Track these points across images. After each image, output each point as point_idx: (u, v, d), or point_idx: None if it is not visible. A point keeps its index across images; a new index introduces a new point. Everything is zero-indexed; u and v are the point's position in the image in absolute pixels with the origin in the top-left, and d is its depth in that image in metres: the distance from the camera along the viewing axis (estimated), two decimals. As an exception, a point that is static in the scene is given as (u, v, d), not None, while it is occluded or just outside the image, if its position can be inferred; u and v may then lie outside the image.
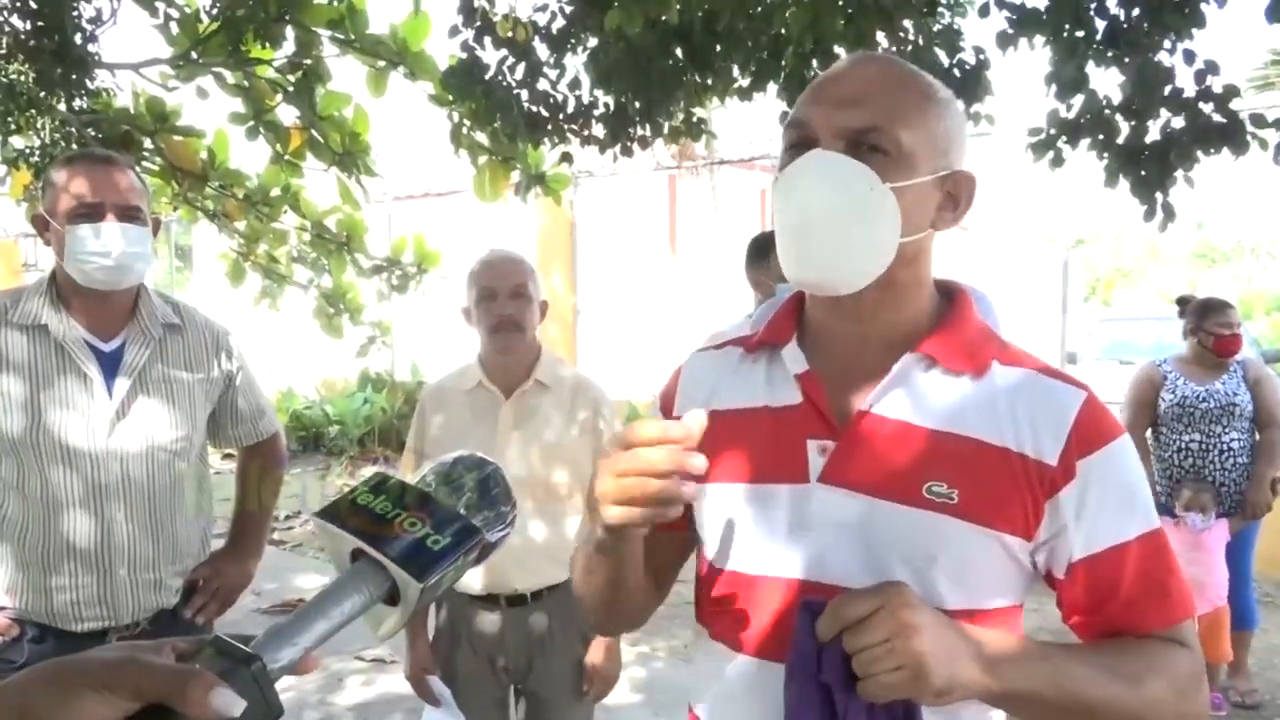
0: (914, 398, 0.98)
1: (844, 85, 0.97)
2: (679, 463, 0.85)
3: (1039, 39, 2.58)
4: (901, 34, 3.15)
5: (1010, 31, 2.67)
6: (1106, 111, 2.50)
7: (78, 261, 1.79)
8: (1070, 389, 0.98)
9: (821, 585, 0.94)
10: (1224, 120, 2.33)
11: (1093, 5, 2.43)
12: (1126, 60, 2.38)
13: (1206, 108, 2.36)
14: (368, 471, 9.11)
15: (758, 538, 1.00)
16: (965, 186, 1.00)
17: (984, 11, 2.76)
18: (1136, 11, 2.35)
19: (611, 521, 0.89)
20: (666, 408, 1.13)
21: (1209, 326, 3.76)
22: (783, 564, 0.98)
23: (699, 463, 0.86)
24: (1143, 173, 2.46)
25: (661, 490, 0.85)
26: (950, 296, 1.06)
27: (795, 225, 0.96)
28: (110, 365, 1.86)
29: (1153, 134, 2.49)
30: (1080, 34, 2.45)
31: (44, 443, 1.80)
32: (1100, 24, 2.45)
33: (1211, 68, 2.35)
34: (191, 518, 1.97)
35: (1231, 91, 2.34)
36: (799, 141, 0.97)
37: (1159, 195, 2.43)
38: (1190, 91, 2.39)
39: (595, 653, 2.20)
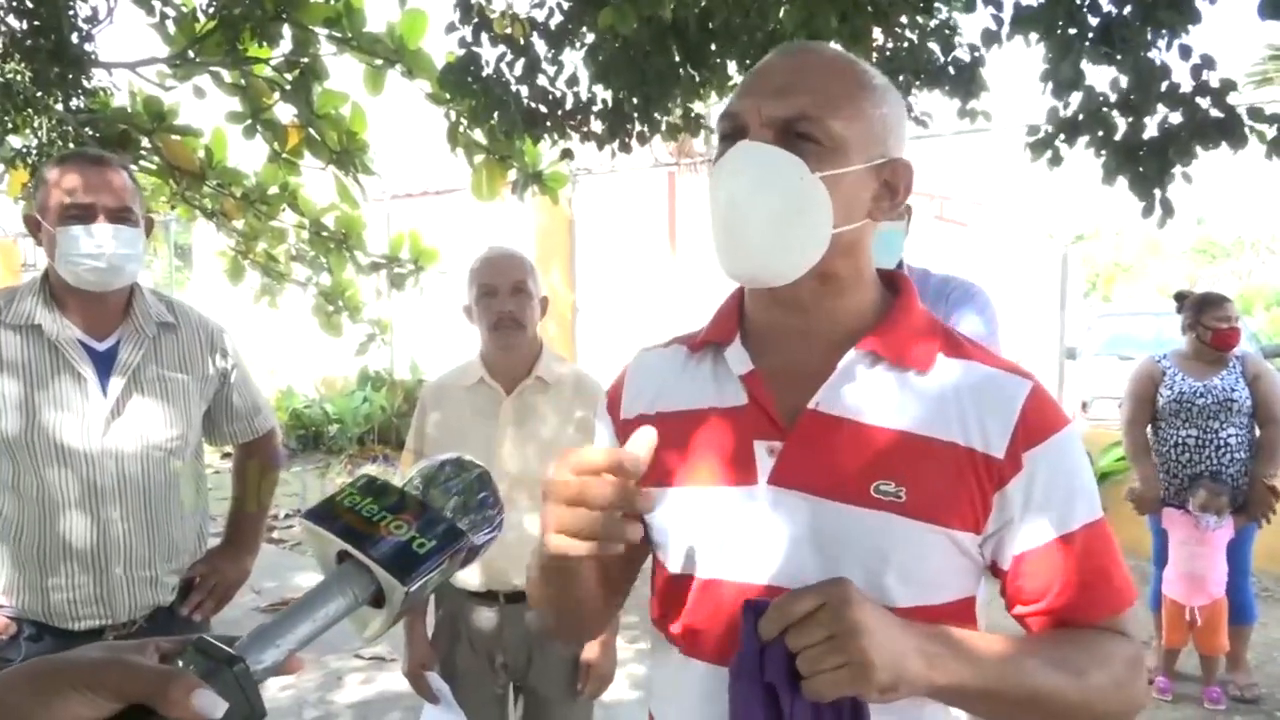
0: (859, 395, 0.96)
1: (775, 75, 0.96)
2: (627, 499, 0.83)
3: (1032, 36, 2.58)
4: (896, 30, 3.15)
5: (996, 30, 2.67)
6: (1104, 109, 2.50)
7: (69, 263, 1.79)
8: (1016, 379, 0.97)
9: (775, 588, 0.93)
10: (1221, 115, 2.33)
11: (1086, 3, 2.43)
12: (1120, 57, 2.38)
13: (1204, 103, 2.35)
14: (366, 470, 9.15)
15: (710, 542, 0.99)
16: (903, 175, 0.99)
17: (970, 7, 2.75)
18: (1130, 8, 2.35)
19: (553, 551, 0.88)
20: (613, 407, 1.11)
21: (1206, 321, 3.76)
22: (735, 568, 0.97)
23: (645, 503, 0.84)
24: (1141, 169, 2.46)
25: (606, 527, 0.84)
26: (894, 288, 1.05)
27: (725, 217, 0.95)
28: (104, 364, 1.85)
29: (1150, 130, 2.49)
30: (1074, 31, 2.44)
31: (39, 443, 1.80)
32: (1094, 21, 2.45)
33: (1208, 63, 2.34)
34: (188, 515, 1.97)
35: (1229, 86, 2.33)
36: (730, 133, 0.96)
37: (1157, 191, 2.42)
38: (1187, 87, 2.38)
39: (590, 649, 2.20)
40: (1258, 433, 3.76)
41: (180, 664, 0.55)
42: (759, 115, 0.94)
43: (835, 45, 1.02)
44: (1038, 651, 0.92)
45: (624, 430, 1.05)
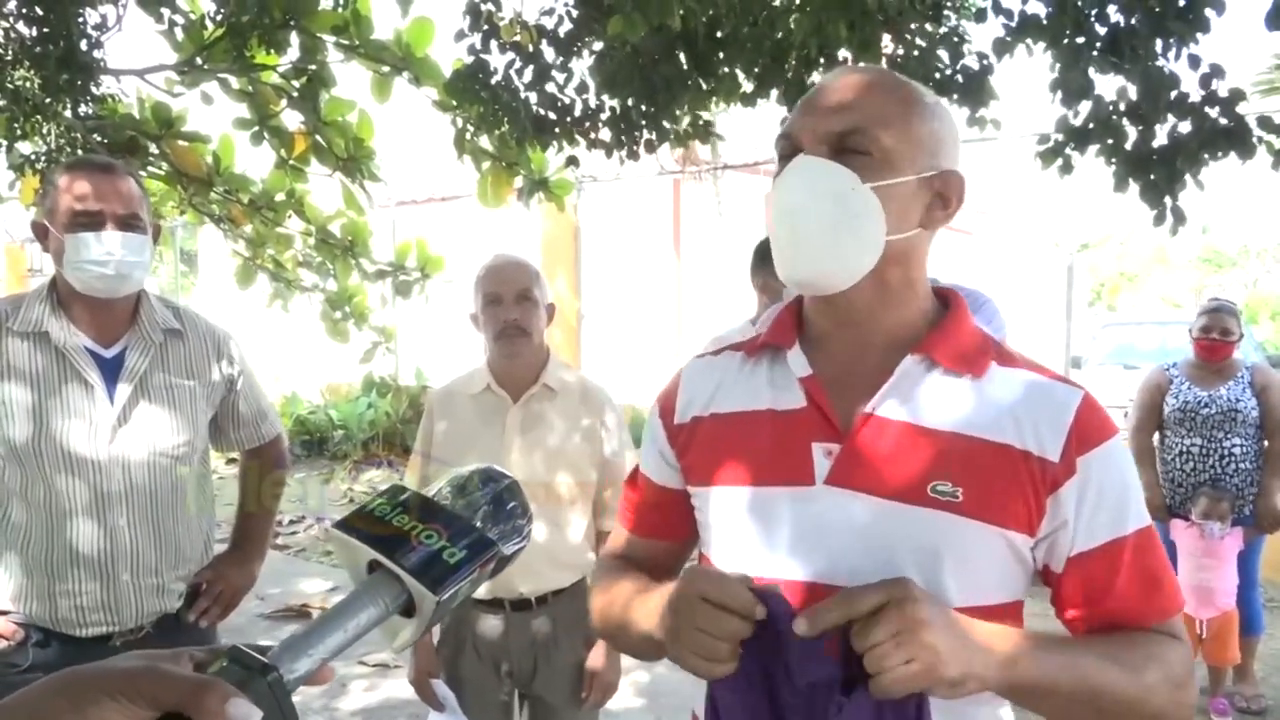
0: (916, 399, 0.99)
1: (828, 94, 1.01)
2: (737, 631, 0.88)
3: (1039, 45, 2.58)
4: (905, 38, 3.15)
5: (1008, 39, 2.67)
6: (1114, 117, 2.50)
7: (76, 270, 1.79)
8: (1068, 388, 1.00)
9: (830, 587, 0.94)
10: (1230, 124, 2.33)
11: (1093, 12, 2.43)
12: (1129, 67, 2.37)
13: (1213, 112, 2.35)
14: (371, 476, 9.14)
15: (763, 541, 1.00)
16: (955, 186, 1.02)
17: (981, 17, 2.75)
18: (1138, 18, 2.35)
19: (693, 671, 0.91)
20: (666, 412, 1.14)
21: (1195, 331, 3.78)
22: (789, 567, 0.98)
23: (747, 630, 0.88)
24: (1151, 177, 2.46)
25: (730, 655, 0.88)
26: (945, 302, 1.08)
27: (784, 228, 1.00)
28: (111, 371, 1.86)
29: (1160, 139, 2.48)
30: (1081, 40, 2.44)
31: (47, 450, 1.80)
32: (1101, 30, 2.45)
33: (1217, 72, 2.34)
34: (194, 522, 1.97)
35: (1238, 96, 2.33)
36: (788, 152, 1.01)
37: (1168, 199, 2.42)
38: (1196, 96, 2.38)
39: (595, 657, 2.20)
40: (1265, 444, 3.73)
41: (214, 673, 0.56)
42: (813, 133, 0.99)
43: (884, 67, 1.07)
44: (1096, 649, 0.94)
45: (676, 435, 1.11)
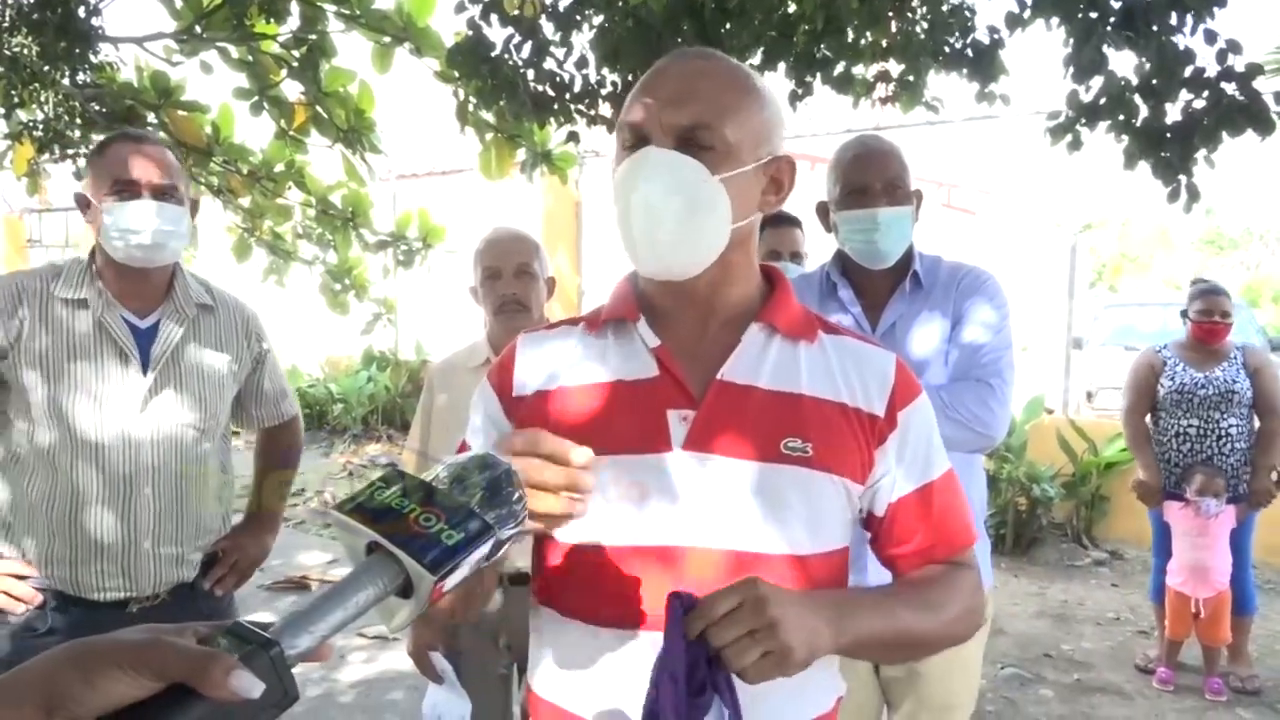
0: (761, 365, 1.08)
1: (670, 84, 1.05)
2: (575, 480, 0.86)
3: (1053, 20, 2.54)
4: (912, 13, 3.11)
5: (1021, 13, 2.63)
6: (1125, 93, 2.46)
7: (113, 239, 1.83)
8: (884, 352, 1.13)
9: (692, 549, 1.01)
10: (1246, 100, 2.29)
11: (1109, -14, 2.39)
12: (1143, 42, 2.34)
13: (1229, 88, 2.31)
14: (370, 450, 9.15)
15: (622, 509, 1.03)
16: (787, 170, 1.10)
17: None
18: (1155, -8, 2.31)
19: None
20: (503, 387, 1.14)
21: (1191, 313, 3.81)
22: (650, 532, 1.01)
23: (588, 482, 0.87)
24: (1164, 154, 2.43)
25: (561, 505, 0.86)
26: (769, 277, 1.16)
27: (638, 219, 1.04)
28: (145, 342, 1.90)
29: (1173, 115, 2.45)
30: (1095, 15, 2.40)
31: (79, 417, 1.82)
32: (1116, 4, 2.41)
33: (1234, 47, 2.30)
34: (214, 495, 2.01)
35: (1255, 70, 2.29)
36: (633, 143, 1.05)
37: (1182, 177, 2.39)
38: (1212, 72, 2.34)
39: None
40: (1256, 423, 3.81)
41: (217, 647, 0.58)
42: (661, 123, 1.03)
43: (717, 51, 1.11)
44: (906, 596, 1.07)
45: (515, 408, 1.12)
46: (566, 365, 1.11)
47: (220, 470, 2.04)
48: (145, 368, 1.88)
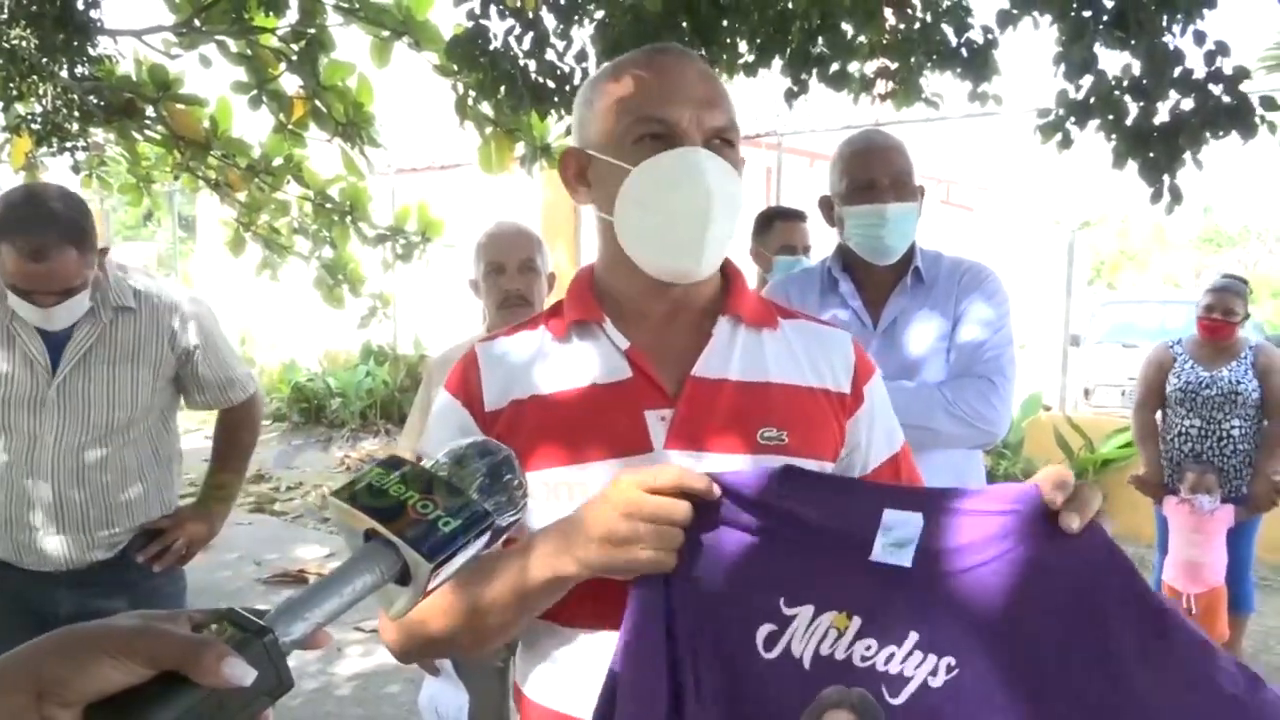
0: (729, 357, 1.08)
1: (699, 85, 1.05)
2: (688, 515, 0.89)
3: (1045, 19, 2.55)
4: (909, 11, 3.12)
5: (1013, 11, 2.64)
6: (1115, 92, 2.48)
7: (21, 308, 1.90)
8: (840, 332, 1.17)
9: None
10: (1234, 103, 2.31)
11: (1100, -15, 2.40)
12: (1134, 42, 2.35)
13: (1216, 90, 2.33)
14: (368, 444, 9.15)
15: None
16: (740, 166, 1.12)
17: None
18: (1146, -8, 2.32)
19: (646, 568, 0.90)
20: (473, 400, 1.09)
21: (1199, 309, 3.76)
22: None
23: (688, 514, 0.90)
24: (1151, 154, 2.44)
25: (678, 540, 0.89)
26: (723, 269, 1.16)
27: (698, 221, 1.03)
28: (56, 347, 1.96)
29: (1161, 115, 2.47)
30: (1087, 14, 2.42)
31: None
32: (1108, 4, 2.42)
33: (1222, 49, 2.31)
34: (138, 482, 2.08)
35: (1241, 73, 2.30)
36: (664, 135, 1.03)
37: (1166, 177, 2.40)
38: (1200, 73, 2.35)
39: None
40: (1265, 424, 3.71)
41: (211, 633, 0.57)
42: (698, 124, 1.03)
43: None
44: None
45: (492, 422, 1.07)
46: (537, 373, 1.09)
47: (151, 455, 2.10)
48: (53, 370, 1.96)
